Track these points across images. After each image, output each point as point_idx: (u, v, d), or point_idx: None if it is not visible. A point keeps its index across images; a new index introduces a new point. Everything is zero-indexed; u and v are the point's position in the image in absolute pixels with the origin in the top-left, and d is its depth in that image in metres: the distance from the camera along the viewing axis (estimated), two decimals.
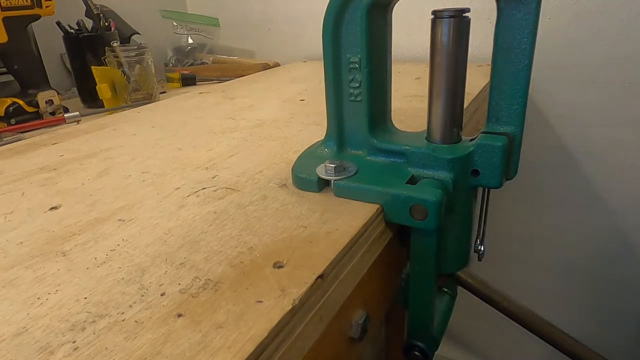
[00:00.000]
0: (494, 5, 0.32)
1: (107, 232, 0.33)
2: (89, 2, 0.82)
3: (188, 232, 0.32)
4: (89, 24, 0.84)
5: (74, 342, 0.22)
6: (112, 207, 0.37)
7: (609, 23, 0.84)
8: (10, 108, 0.70)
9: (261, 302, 0.24)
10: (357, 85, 0.38)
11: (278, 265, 0.28)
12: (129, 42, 0.93)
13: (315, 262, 0.28)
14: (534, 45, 0.32)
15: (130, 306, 0.25)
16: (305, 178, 0.38)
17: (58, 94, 0.75)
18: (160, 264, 0.29)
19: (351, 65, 0.38)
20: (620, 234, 0.97)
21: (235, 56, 1.17)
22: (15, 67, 0.72)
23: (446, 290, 0.47)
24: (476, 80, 0.73)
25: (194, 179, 0.42)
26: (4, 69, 0.77)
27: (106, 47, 0.78)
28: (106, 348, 0.22)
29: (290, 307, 0.24)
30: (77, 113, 0.71)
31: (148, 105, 0.78)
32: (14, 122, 0.70)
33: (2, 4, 0.67)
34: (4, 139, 0.64)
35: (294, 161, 0.42)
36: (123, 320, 0.24)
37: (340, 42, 0.37)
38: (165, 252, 0.30)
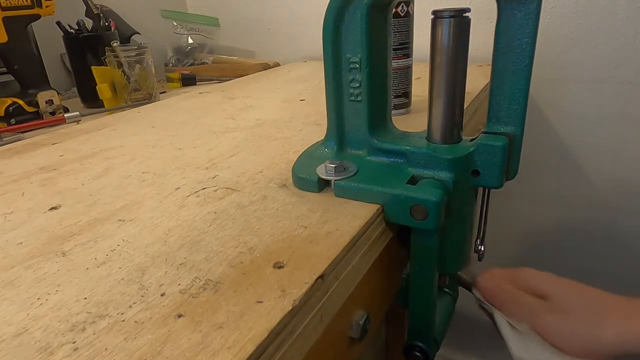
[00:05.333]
0: (494, 5, 0.32)
1: (107, 232, 0.33)
2: (89, 2, 0.82)
3: (188, 232, 0.32)
4: (89, 24, 0.84)
5: (74, 342, 0.22)
6: (112, 207, 0.37)
7: (609, 22, 0.83)
8: (10, 108, 0.70)
9: (261, 302, 0.24)
10: (357, 85, 0.38)
11: (278, 266, 0.28)
12: (129, 42, 0.93)
13: (316, 263, 0.28)
14: (534, 45, 0.32)
15: (130, 306, 0.25)
16: (305, 178, 0.38)
17: (58, 94, 0.75)
18: (160, 264, 0.29)
19: (351, 65, 0.38)
20: (622, 234, 0.97)
21: (235, 56, 1.17)
22: (15, 67, 0.72)
23: (447, 290, 0.47)
24: (476, 80, 0.73)
25: (194, 179, 0.42)
26: (4, 69, 0.77)
27: (106, 47, 0.78)
28: (106, 349, 0.22)
29: (291, 307, 0.24)
30: (77, 113, 0.71)
31: (148, 105, 0.78)
32: (14, 122, 0.70)
33: (2, 4, 0.67)
34: (4, 139, 0.64)
35: (294, 161, 0.42)
36: (123, 320, 0.24)
37: (341, 42, 0.37)
38: (165, 252, 0.30)
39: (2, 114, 0.70)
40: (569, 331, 0.40)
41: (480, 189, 0.39)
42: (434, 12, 0.33)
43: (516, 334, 0.42)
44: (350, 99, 0.39)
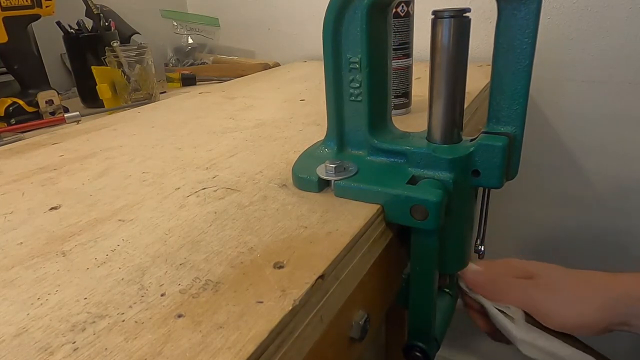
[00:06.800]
0: (494, 5, 0.32)
1: (107, 232, 0.33)
2: (89, 2, 0.82)
3: (188, 232, 0.32)
4: (89, 24, 0.84)
5: (74, 342, 0.22)
6: (112, 207, 0.37)
7: (609, 22, 0.84)
8: (10, 108, 0.70)
9: (261, 302, 0.24)
10: (357, 85, 0.38)
11: (278, 266, 0.28)
12: (129, 42, 0.93)
13: (316, 263, 0.28)
14: (534, 45, 0.32)
15: (131, 307, 0.25)
16: (305, 178, 0.38)
17: (58, 94, 0.75)
18: (160, 264, 0.29)
19: (351, 65, 0.38)
20: (623, 234, 0.97)
21: (235, 56, 1.17)
22: (15, 67, 0.72)
23: (447, 290, 0.47)
24: (476, 80, 0.73)
25: (194, 179, 0.42)
26: (4, 69, 0.77)
27: (106, 47, 0.78)
28: (106, 349, 0.22)
29: (291, 307, 0.24)
30: (77, 113, 0.71)
31: (148, 105, 0.78)
32: (14, 122, 0.70)
33: (2, 4, 0.67)
34: (4, 139, 0.64)
35: (294, 161, 0.42)
36: (123, 320, 0.24)
37: (341, 42, 0.37)
38: (165, 253, 0.30)
39: (2, 114, 0.70)
40: (556, 308, 0.42)
41: (480, 189, 0.39)
42: (434, 12, 0.33)
43: (511, 320, 0.43)
44: (350, 99, 0.39)
